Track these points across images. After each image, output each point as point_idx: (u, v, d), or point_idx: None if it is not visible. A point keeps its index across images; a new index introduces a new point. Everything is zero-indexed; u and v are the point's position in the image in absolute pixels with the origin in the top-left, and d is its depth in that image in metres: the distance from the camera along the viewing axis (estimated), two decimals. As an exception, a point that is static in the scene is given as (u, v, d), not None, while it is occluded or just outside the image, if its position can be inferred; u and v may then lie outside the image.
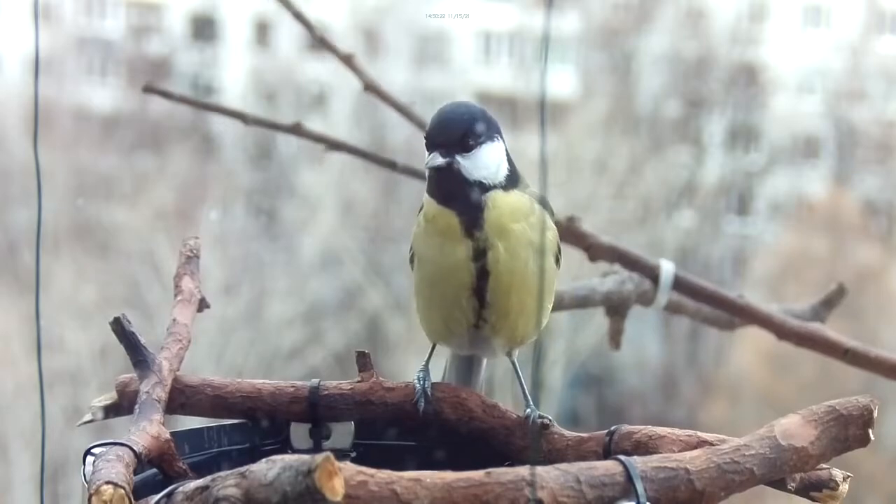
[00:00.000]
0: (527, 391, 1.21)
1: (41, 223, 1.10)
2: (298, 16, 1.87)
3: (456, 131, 1.15)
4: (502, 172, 1.18)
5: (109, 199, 10.01)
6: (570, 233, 1.76)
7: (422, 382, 1.18)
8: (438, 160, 1.15)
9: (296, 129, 1.83)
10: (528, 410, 1.18)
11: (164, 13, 12.00)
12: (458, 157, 1.15)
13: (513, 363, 1.25)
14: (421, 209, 1.20)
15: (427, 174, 1.17)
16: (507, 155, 1.19)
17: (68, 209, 9.09)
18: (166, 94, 1.87)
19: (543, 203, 1.19)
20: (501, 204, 1.16)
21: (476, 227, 1.16)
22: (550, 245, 1.19)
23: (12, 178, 9.23)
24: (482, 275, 1.17)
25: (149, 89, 1.82)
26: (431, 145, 1.15)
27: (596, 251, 1.77)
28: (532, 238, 1.16)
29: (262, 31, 11.71)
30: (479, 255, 1.16)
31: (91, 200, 9.95)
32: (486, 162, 1.17)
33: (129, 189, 10.10)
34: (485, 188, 1.16)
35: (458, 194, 1.15)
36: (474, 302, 1.18)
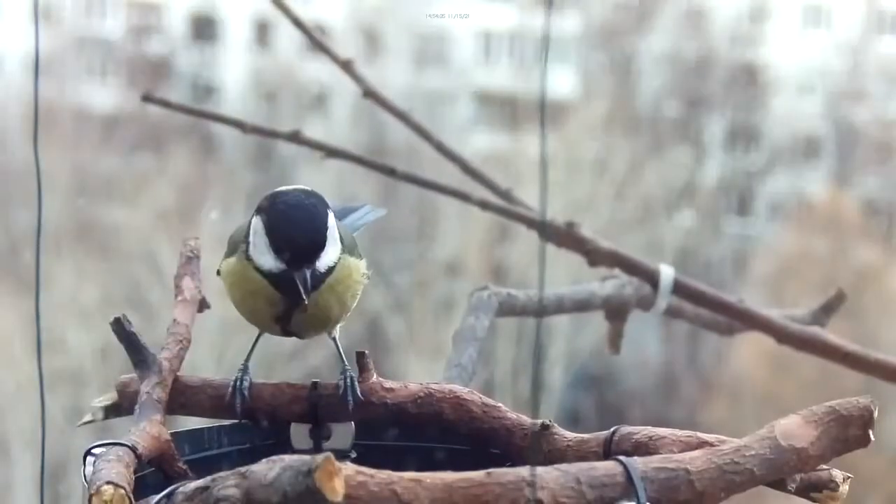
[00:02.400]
0: (343, 357, 1.22)
1: (42, 223, 1.10)
2: (297, 22, 1.87)
3: (312, 247, 1.16)
4: (334, 256, 1.18)
5: (110, 199, 10.02)
6: (569, 238, 1.76)
7: (237, 382, 1.19)
8: (305, 283, 1.15)
9: (294, 137, 1.83)
10: (341, 376, 1.19)
11: (164, 13, 12.00)
12: (315, 267, 1.16)
13: (333, 339, 1.26)
14: (233, 254, 1.20)
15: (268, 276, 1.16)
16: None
17: (69, 209, 9.09)
18: (166, 103, 1.87)
19: (351, 249, 1.21)
20: (330, 282, 1.18)
21: (295, 307, 1.18)
22: (354, 286, 1.21)
23: (13, 178, 9.23)
24: (287, 317, 1.20)
25: (148, 98, 1.82)
26: (293, 259, 1.15)
27: (595, 256, 1.77)
28: (340, 294, 1.20)
29: (262, 31, 11.71)
30: (286, 314, 1.19)
31: (92, 200, 9.95)
32: (329, 257, 1.17)
33: (130, 189, 10.10)
34: (324, 277, 1.17)
35: (296, 291, 1.16)
36: (279, 330, 1.22)
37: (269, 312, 1.20)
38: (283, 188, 1.18)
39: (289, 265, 1.15)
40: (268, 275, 1.16)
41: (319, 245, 1.15)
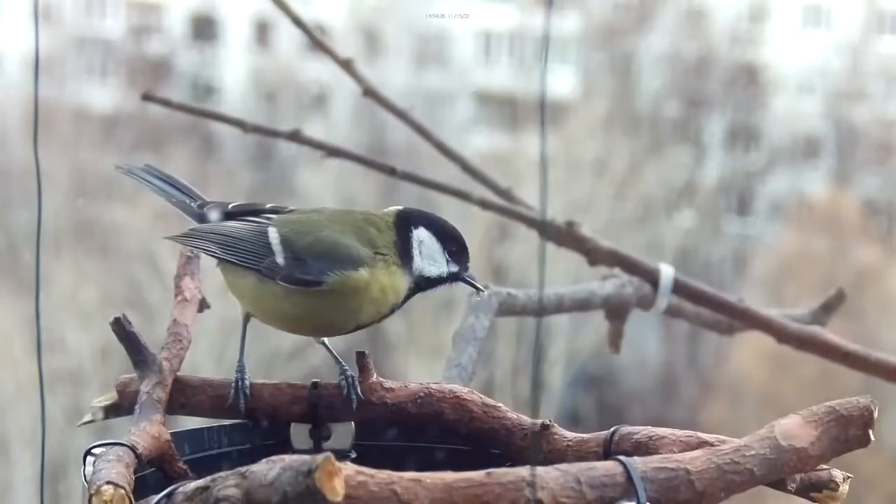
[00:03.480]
0: (338, 357, 1.26)
1: (41, 223, 1.10)
2: (298, 21, 1.87)
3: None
4: None
5: (109, 199, 10.02)
6: (570, 237, 1.76)
7: (238, 384, 1.21)
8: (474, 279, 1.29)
9: (295, 137, 1.83)
10: (341, 376, 1.21)
11: (164, 13, 11.99)
12: None
13: (321, 342, 1.30)
14: (367, 265, 1.24)
15: (440, 278, 1.27)
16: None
17: (68, 209, 9.09)
18: (166, 102, 1.86)
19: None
20: None
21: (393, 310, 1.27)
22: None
23: (12, 178, 9.23)
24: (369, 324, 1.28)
25: (148, 97, 1.82)
26: (466, 261, 1.28)
27: (595, 255, 1.77)
28: None
29: (262, 31, 11.71)
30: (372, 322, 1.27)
31: (91, 200, 9.95)
32: None
33: (129, 189, 10.09)
34: None
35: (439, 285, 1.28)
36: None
37: (371, 318, 1.26)
38: (407, 208, 1.29)
39: (461, 267, 1.27)
40: (433, 279, 1.27)
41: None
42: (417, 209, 1.28)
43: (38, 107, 1.14)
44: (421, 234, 1.26)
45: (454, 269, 1.27)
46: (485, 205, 1.83)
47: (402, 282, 1.25)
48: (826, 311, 1.90)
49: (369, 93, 1.89)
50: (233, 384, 1.21)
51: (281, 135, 1.85)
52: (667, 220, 11.10)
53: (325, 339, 1.29)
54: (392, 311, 1.26)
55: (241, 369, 1.22)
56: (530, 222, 1.80)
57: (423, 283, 1.26)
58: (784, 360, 7.82)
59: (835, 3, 11.66)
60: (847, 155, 11.53)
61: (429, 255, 1.26)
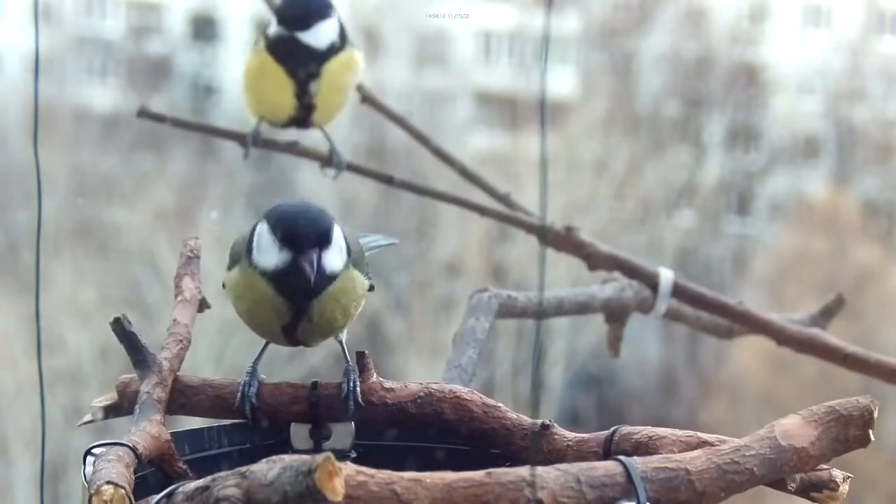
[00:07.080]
0: (348, 357, 1.23)
1: (41, 223, 1.10)
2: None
3: (323, 227, 1.17)
4: (340, 263, 1.19)
5: (109, 199, 10.02)
6: (569, 242, 1.76)
7: (245, 388, 1.19)
8: (311, 266, 1.15)
9: (291, 148, 1.84)
10: (344, 377, 1.20)
11: (164, 13, 11.99)
12: (321, 256, 1.17)
13: (339, 342, 1.26)
14: (235, 265, 1.21)
15: (278, 271, 1.17)
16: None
17: (68, 209, 9.09)
18: (160, 118, 1.87)
19: (358, 262, 1.22)
20: (334, 291, 1.19)
21: (302, 315, 1.19)
22: (358, 299, 1.22)
23: (12, 178, 9.23)
24: (294, 327, 1.20)
25: (143, 114, 1.83)
26: (299, 244, 1.15)
27: (595, 260, 1.78)
28: (344, 306, 1.20)
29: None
30: (293, 323, 1.20)
31: (91, 200, 9.95)
32: (334, 260, 1.19)
33: (129, 189, 10.10)
34: (331, 279, 1.18)
35: (307, 291, 1.17)
36: (285, 340, 1.23)
37: (276, 322, 1.21)
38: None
39: (295, 250, 1.16)
40: (272, 275, 1.17)
41: (326, 233, 1.16)
42: (284, 201, 1.20)
43: (38, 107, 1.15)
44: (261, 227, 1.18)
45: (288, 257, 1.16)
46: (483, 211, 1.83)
47: (259, 280, 1.18)
48: (825, 315, 1.91)
49: (367, 100, 1.89)
50: (240, 389, 1.21)
51: (278, 147, 1.86)
52: (667, 220, 11.10)
53: (342, 339, 1.28)
54: (294, 321, 1.19)
55: (250, 373, 1.21)
56: (529, 228, 1.80)
57: (272, 278, 1.17)
58: (784, 361, 7.82)
59: (835, 3, 11.66)
60: (847, 155, 11.53)
61: (264, 245, 1.17)
